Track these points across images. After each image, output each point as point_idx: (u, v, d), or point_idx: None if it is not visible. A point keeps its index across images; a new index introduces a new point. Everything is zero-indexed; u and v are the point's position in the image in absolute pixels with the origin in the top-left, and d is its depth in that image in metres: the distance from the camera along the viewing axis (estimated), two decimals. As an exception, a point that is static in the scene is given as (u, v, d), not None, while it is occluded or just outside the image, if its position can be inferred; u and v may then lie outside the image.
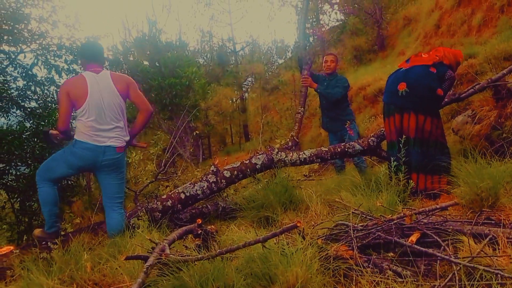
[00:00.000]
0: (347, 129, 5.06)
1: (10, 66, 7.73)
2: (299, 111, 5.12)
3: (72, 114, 3.45)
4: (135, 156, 5.37)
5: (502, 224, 2.37)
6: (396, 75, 4.10)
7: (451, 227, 2.46)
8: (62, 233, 3.65)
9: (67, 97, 3.33)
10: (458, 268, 1.97)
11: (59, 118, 3.44)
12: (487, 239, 2.23)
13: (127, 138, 3.59)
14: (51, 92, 8.14)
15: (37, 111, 7.66)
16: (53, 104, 7.83)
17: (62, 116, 3.40)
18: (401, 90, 3.91)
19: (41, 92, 8.05)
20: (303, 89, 5.33)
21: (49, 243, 3.33)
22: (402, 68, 4.13)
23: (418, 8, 14.04)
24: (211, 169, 4.13)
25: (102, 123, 3.39)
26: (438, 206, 2.72)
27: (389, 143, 4.16)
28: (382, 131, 4.54)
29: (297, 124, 4.96)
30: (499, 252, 2.11)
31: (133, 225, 3.55)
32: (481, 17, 9.33)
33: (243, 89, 20.63)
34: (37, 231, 3.51)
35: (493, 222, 2.50)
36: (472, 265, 1.94)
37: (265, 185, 4.03)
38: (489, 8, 9.18)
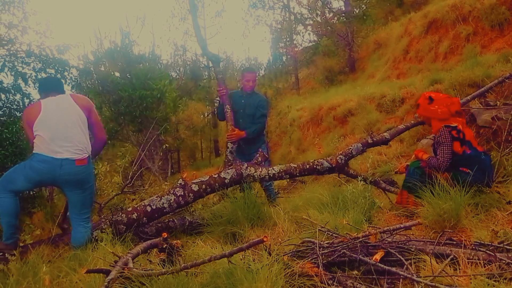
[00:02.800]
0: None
1: (-25, 72, 7.48)
2: (226, 109, 4.88)
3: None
4: (101, 167, 5.25)
5: (463, 245, 2.43)
6: None
7: (414, 246, 2.50)
8: (21, 244, 3.51)
9: (26, 124, 3.39)
10: (420, 287, 2.01)
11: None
12: (449, 259, 2.28)
13: (89, 150, 3.51)
14: (16, 100, 7.90)
15: (1, 118, 7.41)
16: (17, 112, 7.61)
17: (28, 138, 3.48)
18: None
19: (5, 99, 7.80)
20: (222, 90, 4.93)
21: (6, 254, 3.19)
22: None
23: (388, 33, 14.51)
24: (178, 182, 4.07)
25: (59, 137, 3.32)
26: (402, 226, 2.77)
27: None
28: (350, 150, 4.59)
29: (228, 123, 4.89)
30: (459, 272, 2.16)
31: (96, 237, 3.45)
32: (447, 45, 9.72)
33: (215, 104, 20.64)
34: None
35: (454, 242, 2.56)
36: (434, 284, 1.97)
37: (233, 200, 4.00)
38: (455, 36, 9.58)
